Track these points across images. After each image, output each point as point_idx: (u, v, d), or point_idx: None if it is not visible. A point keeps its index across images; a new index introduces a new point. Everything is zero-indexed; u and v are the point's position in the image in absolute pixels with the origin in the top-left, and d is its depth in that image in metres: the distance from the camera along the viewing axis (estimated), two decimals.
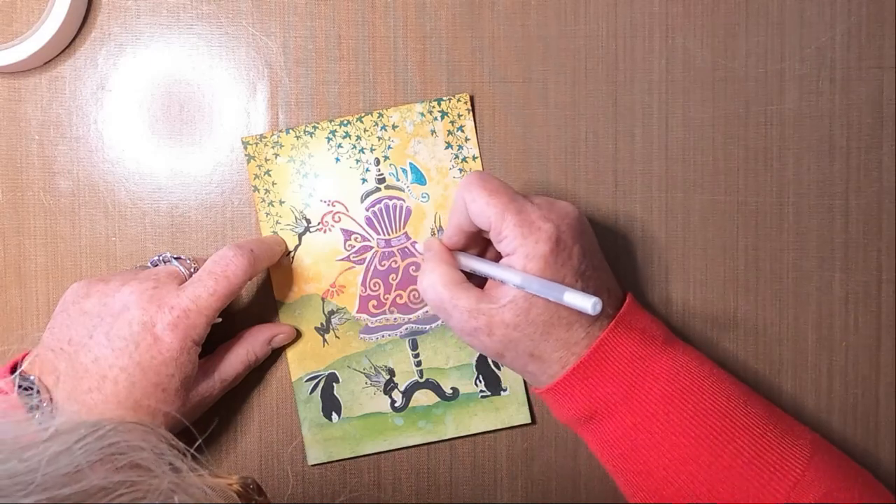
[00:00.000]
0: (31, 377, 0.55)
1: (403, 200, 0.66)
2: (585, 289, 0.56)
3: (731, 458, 0.55)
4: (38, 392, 0.55)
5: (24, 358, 0.57)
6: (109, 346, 0.55)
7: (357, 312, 0.67)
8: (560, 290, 0.53)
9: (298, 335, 0.67)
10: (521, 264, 0.55)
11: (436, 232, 0.66)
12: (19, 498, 0.31)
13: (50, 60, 0.66)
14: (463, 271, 0.59)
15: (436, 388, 0.67)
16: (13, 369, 0.56)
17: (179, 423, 0.59)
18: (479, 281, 0.59)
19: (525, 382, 0.67)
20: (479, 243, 0.61)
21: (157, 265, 0.62)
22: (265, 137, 0.66)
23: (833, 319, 0.67)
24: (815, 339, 0.67)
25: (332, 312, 0.67)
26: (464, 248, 0.61)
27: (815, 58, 0.67)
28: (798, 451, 0.56)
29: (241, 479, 0.42)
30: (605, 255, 0.65)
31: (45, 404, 0.54)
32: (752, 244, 0.67)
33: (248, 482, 0.43)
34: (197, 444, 0.41)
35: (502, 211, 0.55)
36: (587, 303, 0.52)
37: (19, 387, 0.55)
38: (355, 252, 0.66)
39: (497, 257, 0.60)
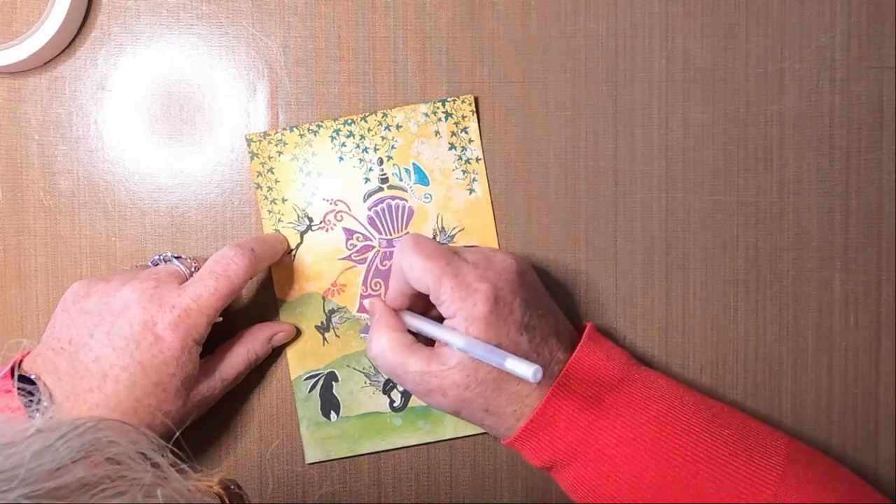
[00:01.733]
0: (32, 376, 0.55)
1: (406, 201, 0.66)
2: (531, 340, 0.57)
3: (698, 492, 0.55)
4: (39, 391, 0.55)
5: (24, 357, 0.57)
6: (110, 346, 0.55)
7: (357, 312, 0.67)
8: (501, 356, 0.54)
9: (298, 333, 0.67)
10: (462, 327, 0.56)
11: (438, 234, 0.66)
12: (2, 492, 0.32)
13: (50, 60, 0.66)
14: (410, 330, 0.60)
15: None
16: (14, 369, 0.56)
17: (178, 424, 0.59)
18: (427, 338, 0.60)
19: None
20: (424, 301, 0.61)
21: (157, 264, 0.62)
22: (269, 135, 0.66)
23: (833, 319, 0.67)
24: (815, 339, 0.68)
25: (332, 311, 0.67)
26: (409, 308, 0.62)
27: (815, 58, 0.67)
28: (768, 473, 0.56)
29: (222, 482, 0.42)
30: (605, 255, 0.66)
31: (45, 403, 0.54)
32: (752, 244, 0.67)
33: (228, 483, 0.43)
34: (174, 436, 0.41)
35: (439, 276, 0.56)
36: (528, 371, 0.52)
37: (20, 388, 0.55)
38: (357, 251, 0.66)
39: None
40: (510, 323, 0.56)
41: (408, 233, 0.66)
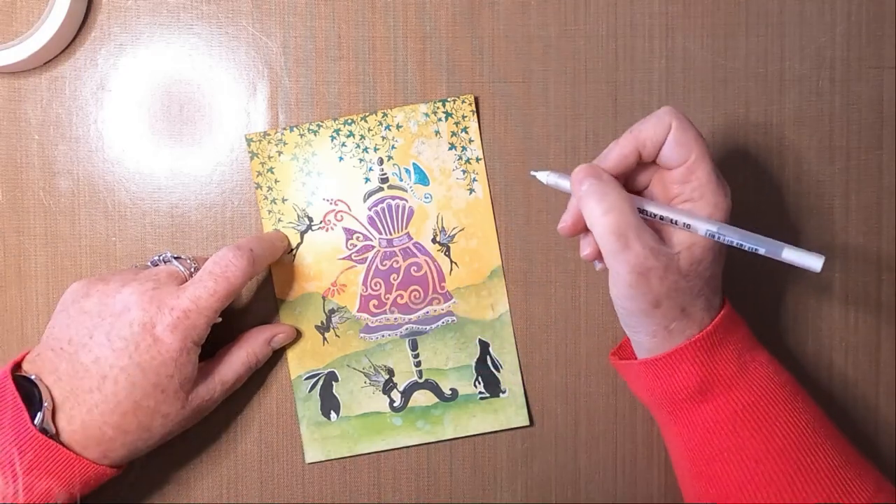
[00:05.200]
0: (32, 376, 0.55)
1: (406, 200, 0.66)
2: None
3: (806, 479, 0.55)
4: (39, 391, 0.55)
5: (24, 357, 0.57)
6: (109, 347, 0.55)
7: (357, 312, 0.67)
8: (777, 244, 0.53)
9: (299, 335, 0.67)
10: (706, 212, 0.55)
11: (438, 234, 0.66)
12: None
13: (50, 60, 0.66)
14: None
15: (435, 388, 0.67)
16: (13, 369, 0.56)
17: (178, 426, 0.59)
18: None
19: (524, 385, 0.67)
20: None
21: (157, 265, 0.62)
22: (269, 135, 0.66)
23: (833, 319, 0.68)
24: (815, 339, 0.68)
25: (332, 311, 0.67)
26: None
27: (815, 58, 0.67)
28: (870, 475, 0.56)
29: None
30: None
31: (45, 403, 0.54)
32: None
33: None
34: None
35: (704, 153, 0.55)
36: (816, 261, 0.51)
37: (21, 387, 0.55)
38: (357, 251, 0.66)
39: None
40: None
41: (407, 233, 0.66)
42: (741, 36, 0.67)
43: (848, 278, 0.67)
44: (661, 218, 0.56)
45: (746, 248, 0.54)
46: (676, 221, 0.55)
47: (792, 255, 0.52)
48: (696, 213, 0.55)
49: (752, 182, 0.67)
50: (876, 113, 0.67)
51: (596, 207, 0.54)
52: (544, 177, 0.59)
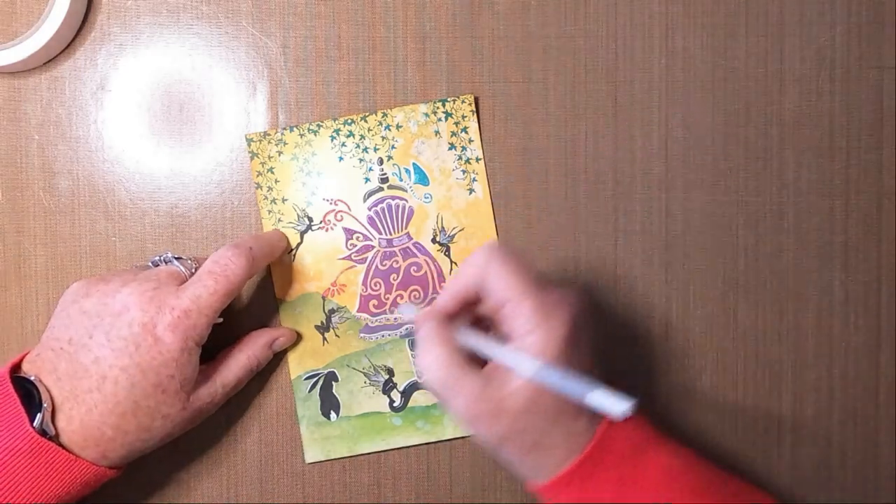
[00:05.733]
0: (31, 377, 0.55)
1: (406, 200, 0.66)
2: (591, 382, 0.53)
3: None
4: (39, 392, 0.55)
5: (23, 358, 0.57)
6: (109, 347, 0.55)
7: (357, 312, 0.67)
8: (586, 386, 0.50)
9: (299, 338, 0.67)
10: (538, 347, 0.52)
11: (438, 234, 0.66)
12: None
13: (50, 60, 0.66)
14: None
15: None
16: (13, 369, 0.56)
17: (178, 428, 0.59)
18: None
19: None
20: (467, 315, 0.58)
21: (157, 265, 0.62)
22: (269, 135, 0.66)
23: (833, 319, 0.67)
24: (814, 339, 0.68)
25: (332, 311, 0.67)
26: (452, 318, 0.58)
27: (815, 58, 0.67)
28: None
29: None
30: (605, 255, 0.66)
31: (45, 404, 0.54)
32: (752, 244, 0.67)
33: None
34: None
35: (524, 290, 0.53)
36: (620, 406, 0.49)
37: (20, 386, 0.55)
38: (357, 251, 0.66)
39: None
40: (583, 355, 0.54)
41: (407, 233, 0.66)
42: (741, 36, 0.67)
43: (848, 278, 0.67)
44: (494, 359, 0.55)
45: (570, 395, 0.51)
46: (504, 362, 0.54)
47: (597, 399, 0.50)
48: (524, 350, 0.53)
49: (751, 182, 0.67)
50: (876, 113, 0.67)
51: (424, 358, 0.54)
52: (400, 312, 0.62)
